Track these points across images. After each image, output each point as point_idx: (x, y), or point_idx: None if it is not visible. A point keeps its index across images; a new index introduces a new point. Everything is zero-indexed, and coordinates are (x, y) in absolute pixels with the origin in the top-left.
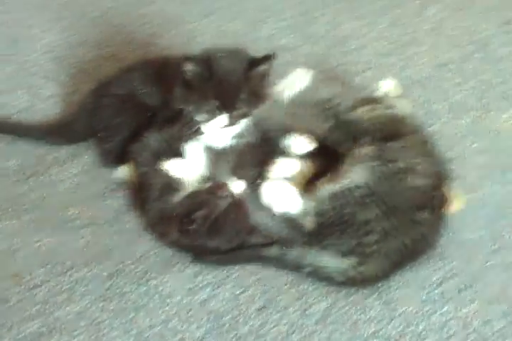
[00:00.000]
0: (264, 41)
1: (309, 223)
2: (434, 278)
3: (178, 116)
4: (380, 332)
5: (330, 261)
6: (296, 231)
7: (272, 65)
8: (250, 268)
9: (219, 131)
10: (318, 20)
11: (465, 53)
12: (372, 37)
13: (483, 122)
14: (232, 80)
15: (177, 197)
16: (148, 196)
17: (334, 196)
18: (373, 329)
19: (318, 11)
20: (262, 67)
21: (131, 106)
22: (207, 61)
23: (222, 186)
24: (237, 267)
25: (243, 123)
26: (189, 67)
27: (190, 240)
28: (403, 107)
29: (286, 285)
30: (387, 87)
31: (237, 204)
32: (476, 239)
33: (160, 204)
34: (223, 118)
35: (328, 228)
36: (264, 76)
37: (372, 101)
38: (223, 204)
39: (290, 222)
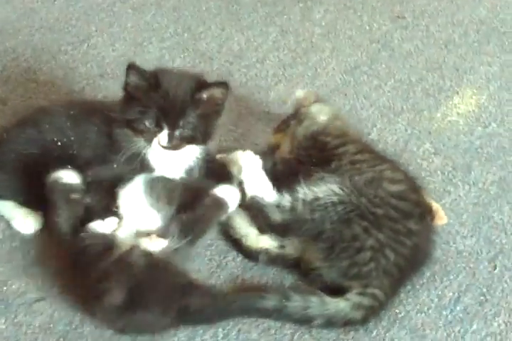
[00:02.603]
0: (156, 63)
1: (275, 216)
2: (449, 295)
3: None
4: None
5: (336, 303)
6: (262, 221)
7: (227, 97)
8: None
9: (163, 157)
10: (206, 35)
11: (371, 53)
12: (269, 47)
13: (420, 124)
14: (179, 97)
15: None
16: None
17: (311, 205)
18: None
19: (201, 25)
20: (212, 93)
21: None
22: (153, 74)
23: (132, 249)
24: (236, 321)
25: (192, 155)
26: (132, 78)
27: (117, 316)
28: (322, 113)
29: (298, 331)
30: (297, 98)
31: (157, 266)
32: (470, 246)
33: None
34: (164, 135)
35: (317, 249)
36: (217, 105)
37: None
38: (138, 269)
39: (258, 209)
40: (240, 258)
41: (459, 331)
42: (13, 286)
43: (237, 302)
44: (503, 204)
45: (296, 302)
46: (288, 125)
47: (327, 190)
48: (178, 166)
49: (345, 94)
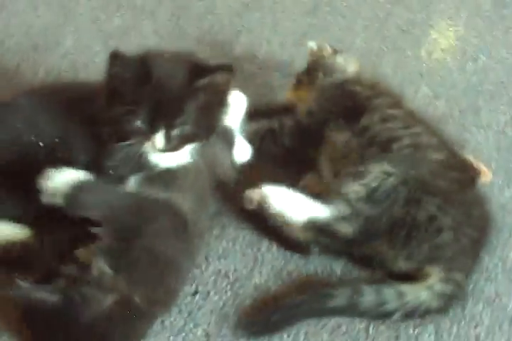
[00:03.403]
0: (92, 27)
1: (345, 229)
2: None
3: None
4: None
5: (416, 293)
6: (333, 241)
7: (231, 83)
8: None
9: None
10: None
11: None
12: None
13: (407, 65)
14: (175, 88)
15: None
16: None
17: (371, 199)
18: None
19: None
20: (214, 79)
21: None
22: (142, 61)
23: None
24: (299, 323)
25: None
26: (116, 70)
27: None
28: (350, 64)
29: (372, 323)
30: (311, 50)
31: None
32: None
33: None
34: (159, 137)
35: (388, 236)
36: (220, 94)
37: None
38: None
39: (322, 231)
40: (274, 247)
41: None
42: None
43: (303, 305)
44: None
45: (369, 297)
46: (311, 79)
47: (379, 175)
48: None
49: (316, 40)
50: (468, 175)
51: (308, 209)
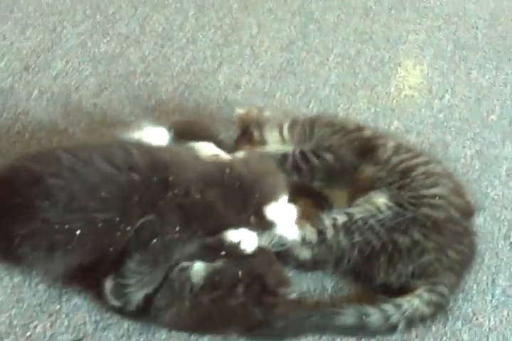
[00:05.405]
0: (80, 51)
1: (303, 255)
2: (484, 279)
3: None
4: None
5: (409, 301)
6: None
7: None
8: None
9: None
10: (120, 15)
11: (299, 27)
12: (194, 26)
13: (379, 101)
14: None
15: None
16: None
17: (360, 226)
18: None
19: (111, 4)
20: None
21: None
22: None
23: None
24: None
25: None
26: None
27: None
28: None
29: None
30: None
31: None
32: (481, 226)
33: None
34: None
35: (374, 261)
36: None
37: None
38: None
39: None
40: None
41: (508, 314)
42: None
43: (312, 318)
44: (492, 179)
45: (376, 316)
46: (249, 138)
47: (371, 209)
48: None
49: (294, 74)
50: (469, 206)
51: (284, 226)
